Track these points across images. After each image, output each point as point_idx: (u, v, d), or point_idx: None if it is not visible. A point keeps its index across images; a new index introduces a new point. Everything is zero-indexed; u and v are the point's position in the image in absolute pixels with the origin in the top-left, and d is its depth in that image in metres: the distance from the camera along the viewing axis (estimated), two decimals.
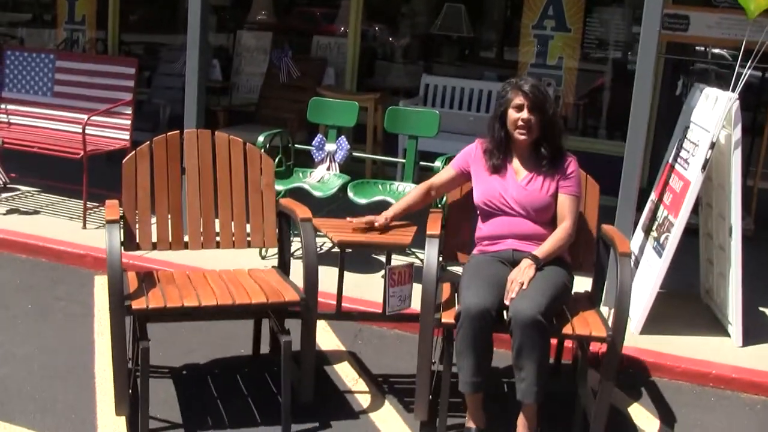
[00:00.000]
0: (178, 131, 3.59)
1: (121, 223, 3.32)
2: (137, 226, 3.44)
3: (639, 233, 4.65)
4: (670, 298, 4.54)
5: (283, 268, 3.66)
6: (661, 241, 4.25)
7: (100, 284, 4.64)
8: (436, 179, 3.62)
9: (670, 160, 4.59)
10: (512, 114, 3.39)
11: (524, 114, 3.36)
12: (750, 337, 4.21)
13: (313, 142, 5.23)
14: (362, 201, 4.75)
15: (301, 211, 3.41)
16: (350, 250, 3.82)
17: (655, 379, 3.93)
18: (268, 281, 3.36)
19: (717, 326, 4.41)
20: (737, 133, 3.96)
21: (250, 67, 7.86)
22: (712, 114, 4.06)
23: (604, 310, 3.56)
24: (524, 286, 3.14)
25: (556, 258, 3.34)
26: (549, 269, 3.27)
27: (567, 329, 3.18)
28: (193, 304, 3.07)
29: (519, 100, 3.37)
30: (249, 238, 3.62)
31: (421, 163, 5.09)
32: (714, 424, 3.58)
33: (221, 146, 3.61)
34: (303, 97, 7.31)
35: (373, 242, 3.47)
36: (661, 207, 4.45)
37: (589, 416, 3.26)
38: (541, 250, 3.31)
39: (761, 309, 4.68)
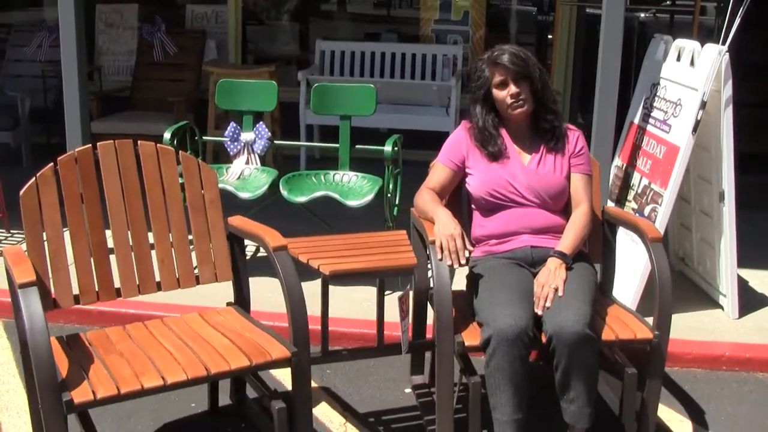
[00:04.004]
0: (90, 145, 2.76)
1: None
2: (50, 276, 2.61)
3: (608, 204, 4.21)
4: None
5: (242, 303, 2.94)
6: (646, 214, 3.82)
7: None
8: (433, 183, 2.91)
9: (636, 121, 4.15)
10: (498, 93, 2.85)
11: (511, 89, 2.81)
12: (743, 308, 3.89)
13: (226, 132, 4.44)
14: (301, 199, 4.04)
15: (271, 238, 2.65)
16: None
17: (666, 370, 3.52)
18: (239, 332, 2.62)
19: (703, 297, 4.07)
20: (728, 90, 3.55)
21: (116, 46, 6.83)
22: (697, 70, 3.63)
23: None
24: (559, 293, 2.62)
25: (578, 252, 2.85)
26: (578, 267, 2.78)
27: (607, 335, 2.69)
28: (156, 384, 2.28)
29: (499, 76, 2.83)
30: (197, 272, 2.87)
31: (358, 146, 4.40)
32: (746, 416, 3.22)
33: (148, 159, 2.81)
34: (184, 75, 6.46)
35: (374, 268, 2.70)
36: (636, 174, 4.02)
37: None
38: (565, 244, 2.80)
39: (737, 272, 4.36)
